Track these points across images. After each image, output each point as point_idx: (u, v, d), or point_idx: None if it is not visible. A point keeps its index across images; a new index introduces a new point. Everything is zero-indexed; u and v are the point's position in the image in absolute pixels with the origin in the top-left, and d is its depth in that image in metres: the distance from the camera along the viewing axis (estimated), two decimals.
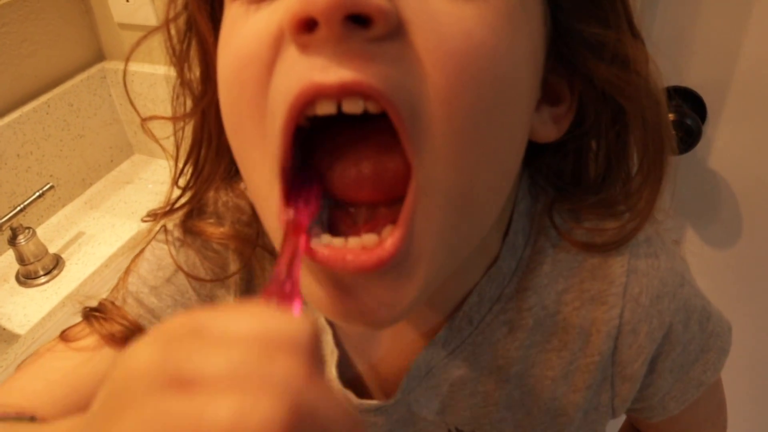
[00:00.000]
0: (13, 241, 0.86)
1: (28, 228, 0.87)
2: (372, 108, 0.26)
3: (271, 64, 0.26)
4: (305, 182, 0.29)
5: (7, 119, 0.92)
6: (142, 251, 0.44)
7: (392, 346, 0.40)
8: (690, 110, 0.77)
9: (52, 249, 0.92)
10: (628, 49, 0.32)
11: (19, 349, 0.80)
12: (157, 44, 1.08)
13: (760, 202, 0.84)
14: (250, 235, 0.40)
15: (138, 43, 0.40)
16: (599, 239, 0.37)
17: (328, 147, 0.29)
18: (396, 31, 0.25)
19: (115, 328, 0.40)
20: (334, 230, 0.29)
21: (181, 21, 0.36)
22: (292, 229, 0.27)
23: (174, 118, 0.40)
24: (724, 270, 0.90)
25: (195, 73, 0.36)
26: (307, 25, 0.24)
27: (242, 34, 0.28)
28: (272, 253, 0.41)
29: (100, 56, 1.07)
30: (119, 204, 1.03)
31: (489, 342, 0.39)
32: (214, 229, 0.41)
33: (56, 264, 0.90)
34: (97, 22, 1.04)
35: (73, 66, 1.03)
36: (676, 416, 0.43)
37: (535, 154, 0.35)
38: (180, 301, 0.42)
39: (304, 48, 0.25)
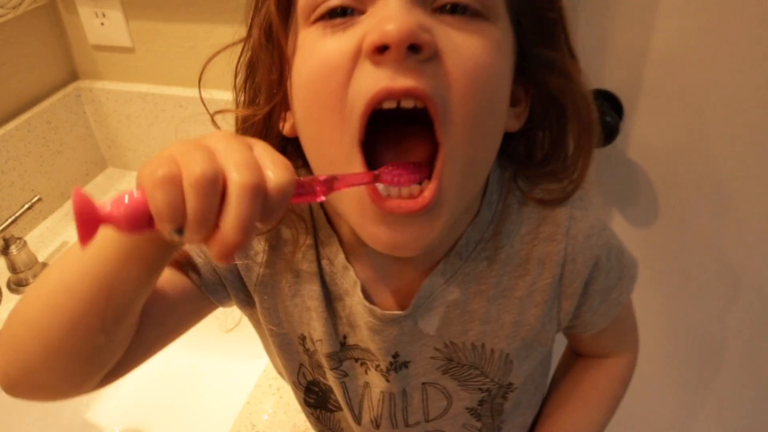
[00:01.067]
0: (5, 251, 0.92)
1: (19, 238, 0.93)
2: (418, 105, 0.39)
3: (351, 72, 0.39)
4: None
5: None
6: None
7: (403, 278, 0.51)
8: (609, 109, 0.91)
9: (40, 258, 0.98)
10: (568, 65, 0.47)
11: None
12: (131, 64, 1.17)
13: (672, 186, 0.98)
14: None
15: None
16: (548, 197, 0.51)
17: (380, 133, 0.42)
18: (434, 56, 0.39)
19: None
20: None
21: (257, 35, 0.46)
22: (368, 178, 0.40)
23: (241, 111, 0.49)
24: (646, 245, 1.04)
25: (267, 76, 0.46)
26: (380, 50, 0.38)
27: (326, 50, 0.40)
28: (302, 217, 0.52)
29: (74, 76, 1.14)
30: None
31: (474, 272, 0.51)
32: None
33: None
34: (71, 44, 1.11)
35: (50, 86, 1.09)
36: (602, 331, 0.58)
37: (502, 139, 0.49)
38: None
39: (376, 63, 0.38)
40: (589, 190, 0.52)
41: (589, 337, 0.60)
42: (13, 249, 0.92)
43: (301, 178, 0.35)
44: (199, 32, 1.00)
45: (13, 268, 0.93)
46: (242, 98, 0.51)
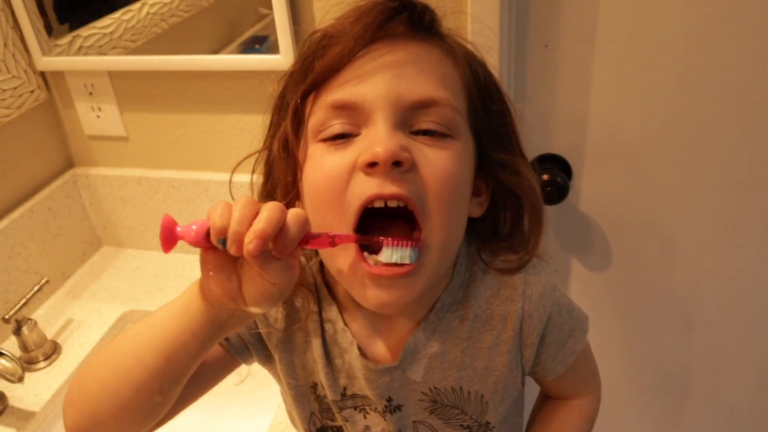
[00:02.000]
0: (18, 332, 0.99)
1: (30, 319, 1.00)
2: (401, 204, 0.51)
3: (348, 180, 0.52)
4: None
5: (0, 226, 1.06)
6: None
7: (391, 335, 0.63)
8: (559, 170, 1.02)
9: (48, 336, 1.04)
10: (519, 165, 0.60)
11: (36, 423, 0.92)
12: (125, 151, 1.26)
13: (623, 233, 1.09)
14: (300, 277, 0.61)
15: None
16: (507, 266, 0.63)
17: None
18: (412, 167, 0.51)
19: None
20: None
21: (277, 147, 0.58)
22: (364, 240, 0.52)
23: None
24: (604, 287, 1.14)
25: (284, 178, 0.58)
26: (371, 165, 0.50)
27: (329, 164, 0.53)
28: (310, 290, 0.63)
29: (70, 163, 1.23)
30: (99, 291, 1.17)
31: (449, 328, 0.62)
32: None
33: (54, 349, 1.03)
34: (68, 135, 1.20)
35: (49, 174, 1.18)
36: (563, 375, 0.68)
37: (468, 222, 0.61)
38: None
39: (368, 174, 0.51)
40: (542, 257, 0.65)
41: (553, 381, 0.71)
42: (25, 330, 0.99)
43: (320, 232, 0.48)
44: (189, 120, 1.11)
45: (24, 347, 1.00)
46: (263, 192, 0.63)
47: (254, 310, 0.48)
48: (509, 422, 0.70)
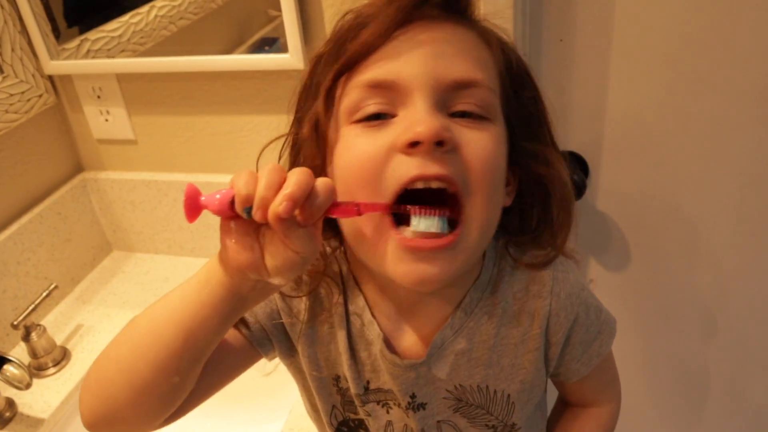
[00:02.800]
0: (27, 338, 0.98)
1: (39, 325, 0.99)
2: (443, 186, 0.50)
3: (385, 162, 0.50)
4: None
5: (8, 232, 1.05)
6: None
7: (419, 330, 0.61)
8: (576, 168, 1.00)
9: (58, 342, 1.03)
10: (551, 155, 0.58)
11: (45, 430, 0.91)
12: (134, 154, 1.25)
13: (641, 232, 1.06)
14: (320, 267, 0.61)
15: None
16: (535, 261, 0.61)
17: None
18: (454, 148, 0.50)
19: None
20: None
21: (307, 129, 0.57)
22: (394, 207, 0.51)
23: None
24: (622, 288, 1.12)
25: (311, 162, 0.57)
26: (413, 145, 0.48)
27: (365, 145, 0.51)
28: (335, 280, 0.62)
29: (79, 168, 1.22)
30: (109, 296, 1.16)
31: (477, 325, 0.61)
32: None
33: (64, 356, 1.02)
34: (76, 139, 1.19)
35: (58, 179, 1.17)
36: (585, 378, 0.66)
37: None
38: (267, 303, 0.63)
39: (408, 154, 0.49)
40: (573, 256, 0.63)
41: (575, 385, 0.68)
42: (34, 336, 0.98)
43: (347, 201, 0.47)
44: (197, 123, 1.10)
45: (33, 353, 0.99)
46: None
47: (277, 280, 0.47)
48: (535, 426, 0.68)
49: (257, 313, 0.62)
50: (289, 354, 0.65)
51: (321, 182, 0.43)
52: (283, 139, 0.61)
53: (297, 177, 0.42)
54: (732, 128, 0.93)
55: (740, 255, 1.03)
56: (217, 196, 0.44)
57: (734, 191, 0.98)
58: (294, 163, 0.60)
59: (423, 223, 0.50)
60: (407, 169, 0.49)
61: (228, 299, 0.48)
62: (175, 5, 1.10)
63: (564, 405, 0.76)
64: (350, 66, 0.53)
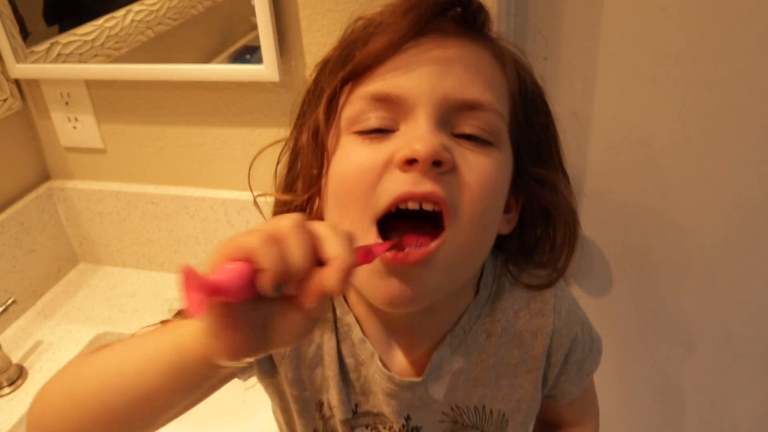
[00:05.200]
0: None
1: None
2: (436, 209, 0.47)
3: (380, 175, 0.48)
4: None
5: None
6: None
7: (412, 350, 0.58)
8: None
9: (14, 360, 0.98)
10: (558, 181, 0.56)
11: None
12: (103, 164, 1.21)
13: (623, 257, 1.04)
14: None
15: None
16: (535, 281, 0.60)
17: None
18: (452, 169, 0.48)
19: None
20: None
21: (306, 137, 0.54)
22: (395, 245, 0.48)
23: (281, 196, 0.58)
24: (604, 312, 1.09)
25: (308, 170, 0.54)
26: (409, 162, 0.46)
27: (362, 156, 0.49)
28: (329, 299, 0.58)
29: (45, 176, 1.17)
30: (72, 311, 1.11)
31: (475, 344, 0.59)
32: None
33: (20, 374, 0.97)
34: (43, 146, 1.14)
35: (22, 187, 1.12)
36: (574, 399, 0.64)
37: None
38: None
39: (404, 171, 0.47)
40: (567, 278, 0.62)
41: (564, 405, 0.66)
42: None
43: (362, 246, 0.42)
44: (169, 133, 1.05)
45: None
46: (282, 184, 0.59)
47: (276, 351, 0.43)
48: None
49: None
50: (270, 375, 0.61)
51: (349, 237, 0.38)
52: (279, 146, 0.60)
53: (338, 240, 0.35)
54: (718, 149, 0.91)
55: (724, 279, 1.01)
56: (230, 272, 0.33)
57: (721, 214, 0.96)
58: (291, 170, 0.58)
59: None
60: (400, 184, 0.47)
61: (202, 384, 0.43)
62: (154, 10, 1.06)
63: (544, 426, 0.73)
64: (356, 75, 0.51)
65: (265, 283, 0.33)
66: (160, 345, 0.43)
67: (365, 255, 0.42)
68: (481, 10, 0.53)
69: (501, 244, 0.60)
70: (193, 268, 0.32)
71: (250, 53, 0.99)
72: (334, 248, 0.35)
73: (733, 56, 0.84)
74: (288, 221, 0.35)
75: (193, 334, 0.40)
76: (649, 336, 1.10)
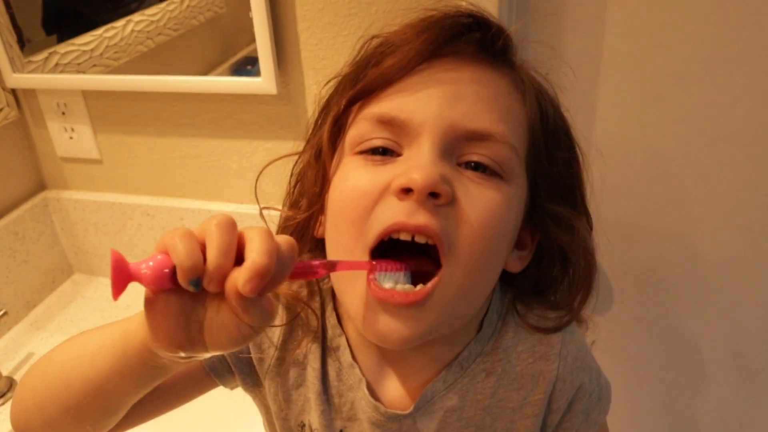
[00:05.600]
0: None
1: None
2: (429, 242, 0.45)
3: (377, 201, 0.46)
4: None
5: None
6: None
7: (406, 381, 0.56)
8: None
9: (4, 372, 0.97)
10: (577, 221, 0.53)
11: None
12: (99, 174, 1.20)
13: (623, 275, 1.03)
14: (300, 296, 0.57)
15: None
16: (543, 324, 0.56)
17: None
18: (451, 201, 0.45)
19: None
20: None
21: (308, 155, 0.55)
22: (365, 265, 0.47)
23: (285, 212, 0.57)
24: (603, 329, 1.07)
25: (311, 188, 0.54)
26: (406, 191, 0.45)
27: (362, 179, 0.48)
28: (315, 315, 0.57)
29: (41, 186, 1.16)
30: (65, 323, 1.10)
31: (473, 382, 0.56)
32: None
33: (9, 387, 0.96)
34: (39, 156, 1.13)
35: (17, 197, 1.11)
36: None
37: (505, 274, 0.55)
38: None
39: (400, 200, 0.45)
40: (582, 319, 0.59)
41: None
42: None
43: (305, 261, 0.42)
44: (165, 145, 1.04)
45: None
46: (289, 200, 0.58)
47: (214, 354, 0.40)
48: None
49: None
50: (254, 386, 0.60)
51: (286, 245, 0.37)
52: (292, 159, 0.59)
53: (264, 244, 0.35)
54: (720, 172, 0.90)
55: (725, 298, 1.00)
56: (151, 263, 0.36)
57: (720, 234, 0.95)
58: (295, 186, 0.57)
59: (387, 280, 0.46)
60: (394, 213, 0.45)
61: (146, 373, 0.43)
62: (154, 20, 1.05)
63: None
64: (364, 95, 0.50)
65: (179, 276, 0.35)
66: (112, 331, 0.45)
67: (302, 268, 0.42)
68: (501, 34, 0.51)
69: (514, 281, 0.58)
70: (121, 255, 0.35)
71: (251, 64, 0.98)
72: (250, 251, 0.35)
73: (735, 73, 0.84)
74: (216, 221, 0.36)
75: (139, 322, 0.41)
76: (647, 353, 1.09)
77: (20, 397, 0.53)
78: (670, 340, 1.07)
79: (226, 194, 1.04)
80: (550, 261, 0.56)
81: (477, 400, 0.56)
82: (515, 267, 0.54)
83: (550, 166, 0.52)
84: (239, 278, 0.35)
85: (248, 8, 0.88)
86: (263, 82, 0.91)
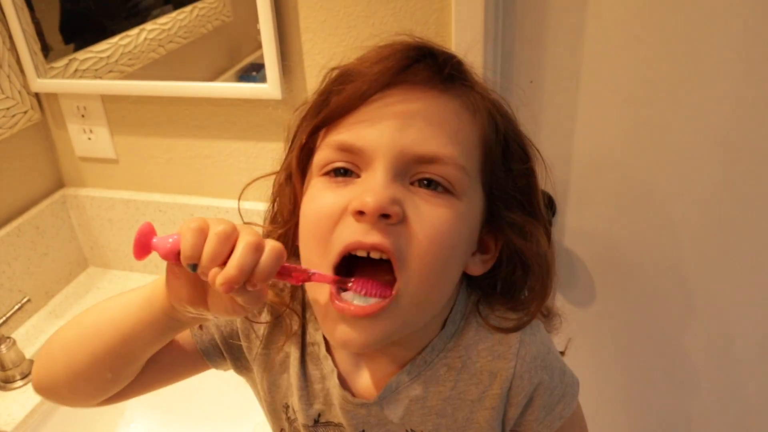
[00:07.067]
0: None
1: (9, 338, 1.00)
2: (383, 257, 0.51)
3: (338, 221, 0.52)
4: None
5: None
6: None
7: (376, 372, 0.62)
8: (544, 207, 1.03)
9: (27, 355, 1.04)
10: (531, 228, 0.58)
11: None
12: (115, 173, 1.27)
13: (605, 268, 1.09)
14: (285, 300, 0.63)
15: None
16: (504, 324, 0.61)
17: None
18: (402, 220, 0.51)
19: None
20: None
21: (281, 176, 0.61)
22: (335, 280, 0.52)
23: (265, 227, 0.64)
24: (585, 322, 1.14)
25: (286, 206, 0.61)
26: (360, 213, 0.49)
27: (323, 201, 0.53)
28: (296, 312, 0.64)
29: (60, 183, 1.24)
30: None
31: (435, 375, 0.61)
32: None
33: (32, 369, 1.03)
34: (59, 156, 1.21)
35: (38, 193, 1.19)
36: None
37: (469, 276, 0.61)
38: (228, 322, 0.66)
39: (357, 220, 0.50)
40: (553, 314, 0.65)
41: None
42: (3, 348, 0.99)
43: (289, 264, 0.48)
44: (178, 145, 1.12)
45: (2, 366, 0.99)
46: (270, 215, 0.64)
47: (216, 318, 0.50)
48: None
49: (215, 328, 0.65)
50: (245, 370, 0.68)
51: (270, 251, 0.45)
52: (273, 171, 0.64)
53: (241, 259, 0.43)
54: (698, 170, 0.96)
55: (706, 294, 1.05)
56: (170, 240, 0.45)
57: (699, 232, 1.00)
58: (274, 203, 0.63)
59: (358, 300, 0.52)
60: (351, 233, 0.51)
61: (165, 322, 0.52)
62: (166, 29, 1.13)
63: None
64: (327, 123, 0.55)
65: (181, 259, 0.45)
66: (142, 288, 0.54)
67: (283, 270, 0.48)
68: (449, 60, 0.55)
69: (476, 282, 0.63)
70: (151, 228, 0.46)
71: (256, 70, 1.06)
72: (231, 259, 0.44)
73: (712, 80, 0.89)
74: (220, 228, 0.45)
75: (161, 281, 0.51)
76: (628, 345, 1.14)
77: (48, 348, 0.59)
78: (655, 342, 1.12)
79: (235, 192, 1.11)
80: (511, 265, 0.60)
81: (439, 391, 0.61)
82: (477, 270, 0.59)
83: (506, 177, 0.57)
84: (217, 279, 0.43)
85: (254, 17, 0.95)
86: (269, 88, 0.98)
